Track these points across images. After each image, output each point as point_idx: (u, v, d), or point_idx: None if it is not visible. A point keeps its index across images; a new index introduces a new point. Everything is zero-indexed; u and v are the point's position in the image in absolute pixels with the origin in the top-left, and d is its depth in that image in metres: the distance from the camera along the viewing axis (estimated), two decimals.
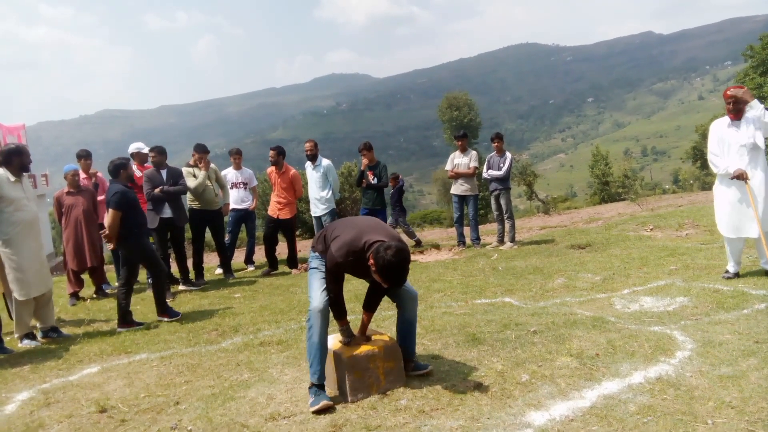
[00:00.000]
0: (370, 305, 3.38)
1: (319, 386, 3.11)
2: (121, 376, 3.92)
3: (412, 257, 6.41)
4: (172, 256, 7.28)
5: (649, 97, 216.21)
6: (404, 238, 6.19)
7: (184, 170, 7.38)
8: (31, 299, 4.93)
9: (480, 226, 10.13)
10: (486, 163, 8.70)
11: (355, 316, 3.89)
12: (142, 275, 7.29)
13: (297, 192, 8.09)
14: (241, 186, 8.36)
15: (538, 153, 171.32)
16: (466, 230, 9.06)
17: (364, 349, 3.21)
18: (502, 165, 8.43)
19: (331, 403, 3.01)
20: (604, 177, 27.15)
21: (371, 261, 2.92)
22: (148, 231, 6.20)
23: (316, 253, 3.35)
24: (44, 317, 5.15)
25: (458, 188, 8.69)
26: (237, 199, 8.27)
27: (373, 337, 3.36)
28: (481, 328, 4.18)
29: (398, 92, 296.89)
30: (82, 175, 7.22)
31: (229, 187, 8.16)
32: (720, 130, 5.11)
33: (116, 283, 5.92)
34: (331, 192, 8.01)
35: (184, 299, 6.54)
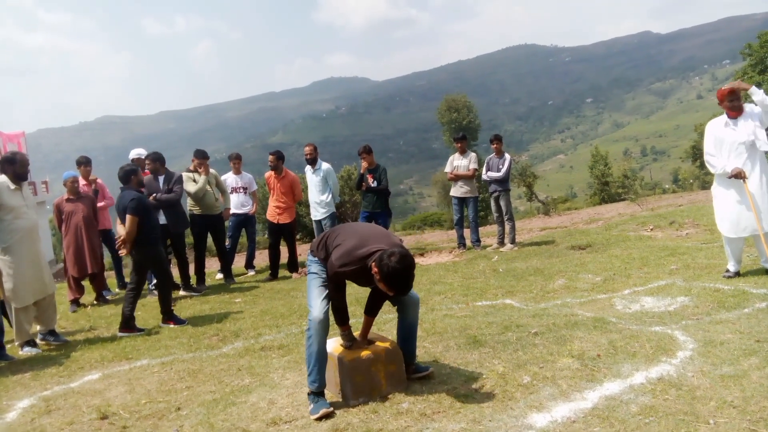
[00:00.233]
0: (371, 310, 3.37)
1: (318, 393, 3.10)
2: (122, 382, 3.92)
3: None
4: (173, 261, 7.28)
5: (648, 96, 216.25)
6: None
7: (185, 175, 7.39)
8: (31, 305, 4.94)
9: (480, 228, 10.12)
10: (485, 164, 8.70)
11: (356, 320, 3.88)
12: None
13: (296, 196, 8.11)
14: (241, 190, 8.37)
15: (538, 154, 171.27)
16: (467, 232, 9.06)
17: (366, 352, 3.20)
18: (501, 166, 8.43)
19: (331, 409, 3.00)
20: (603, 177, 27.13)
21: (375, 270, 2.87)
22: (162, 236, 6.25)
23: (316, 258, 3.31)
24: (45, 320, 5.17)
25: (458, 190, 8.70)
26: (237, 204, 8.28)
27: (375, 341, 3.36)
28: (482, 330, 4.17)
29: (397, 95, 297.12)
30: (82, 182, 7.23)
31: (229, 191, 8.17)
32: (716, 129, 5.07)
33: (115, 289, 5.91)
34: (331, 196, 8.02)
35: (185, 304, 6.54)
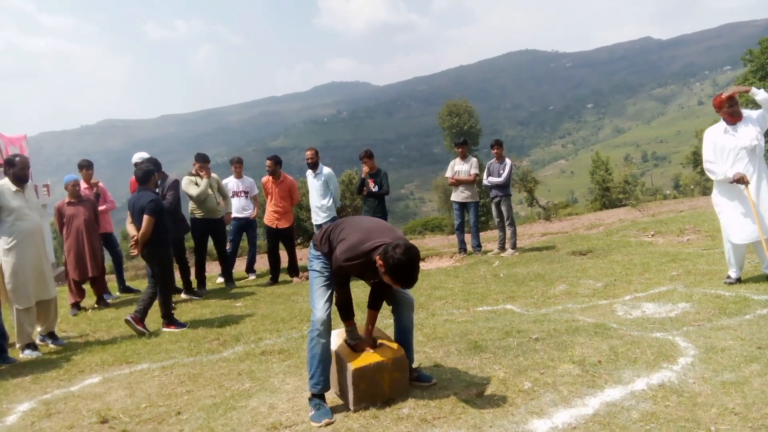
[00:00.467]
0: (374, 304, 3.36)
1: (319, 397, 3.09)
2: (122, 386, 3.91)
3: None
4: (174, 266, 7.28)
5: (649, 102, 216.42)
6: None
7: (186, 179, 7.41)
8: (33, 307, 4.94)
9: (481, 233, 10.13)
10: (486, 170, 8.71)
11: (358, 322, 3.88)
12: (143, 284, 7.29)
13: (294, 200, 8.14)
14: (243, 195, 8.39)
15: (539, 159, 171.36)
16: (467, 237, 9.06)
17: (372, 359, 3.14)
18: (501, 172, 8.44)
19: (333, 420, 2.98)
20: (604, 183, 27.10)
21: (380, 262, 2.85)
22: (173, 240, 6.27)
23: (318, 252, 3.29)
24: (46, 322, 5.18)
25: (459, 195, 8.70)
26: (238, 208, 8.30)
27: (379, 342, 3.31)
28: (482, 336, 4.17)
29: (398, 99, 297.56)
30: (83, 185, 7.24)
31: (230, 195, 8.18)
32: (716, 137, 5.04)
33: (116, 292, 5.88)
34: (332, 200, 8.03)
35: (185, 308, 6.54)
